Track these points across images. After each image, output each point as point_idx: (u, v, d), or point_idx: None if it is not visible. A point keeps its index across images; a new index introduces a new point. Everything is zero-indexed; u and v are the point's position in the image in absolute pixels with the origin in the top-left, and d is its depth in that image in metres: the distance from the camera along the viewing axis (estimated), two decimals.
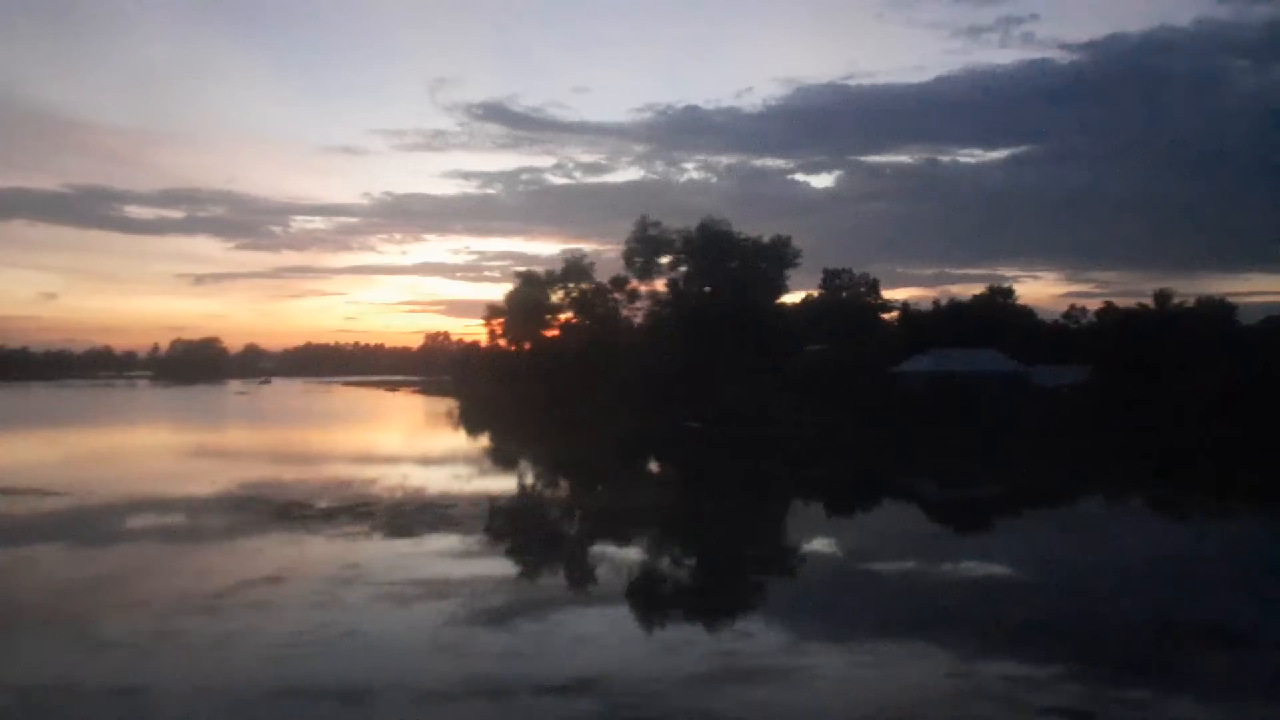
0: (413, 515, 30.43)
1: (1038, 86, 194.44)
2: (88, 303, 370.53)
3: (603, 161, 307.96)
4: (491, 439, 72.57)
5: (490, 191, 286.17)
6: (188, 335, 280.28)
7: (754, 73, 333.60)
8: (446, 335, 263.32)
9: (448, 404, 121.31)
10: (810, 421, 65.55)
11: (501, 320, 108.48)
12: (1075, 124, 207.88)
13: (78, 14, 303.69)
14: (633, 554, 27.20)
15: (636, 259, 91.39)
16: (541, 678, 14.96)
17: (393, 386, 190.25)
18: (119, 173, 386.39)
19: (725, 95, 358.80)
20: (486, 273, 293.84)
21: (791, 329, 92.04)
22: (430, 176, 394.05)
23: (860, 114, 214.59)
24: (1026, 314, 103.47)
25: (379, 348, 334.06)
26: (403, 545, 25.92)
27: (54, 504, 33.18)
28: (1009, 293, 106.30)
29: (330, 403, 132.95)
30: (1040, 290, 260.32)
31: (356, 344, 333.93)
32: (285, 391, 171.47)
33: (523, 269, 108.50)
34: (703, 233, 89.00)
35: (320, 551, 25.20)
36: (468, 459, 55.20)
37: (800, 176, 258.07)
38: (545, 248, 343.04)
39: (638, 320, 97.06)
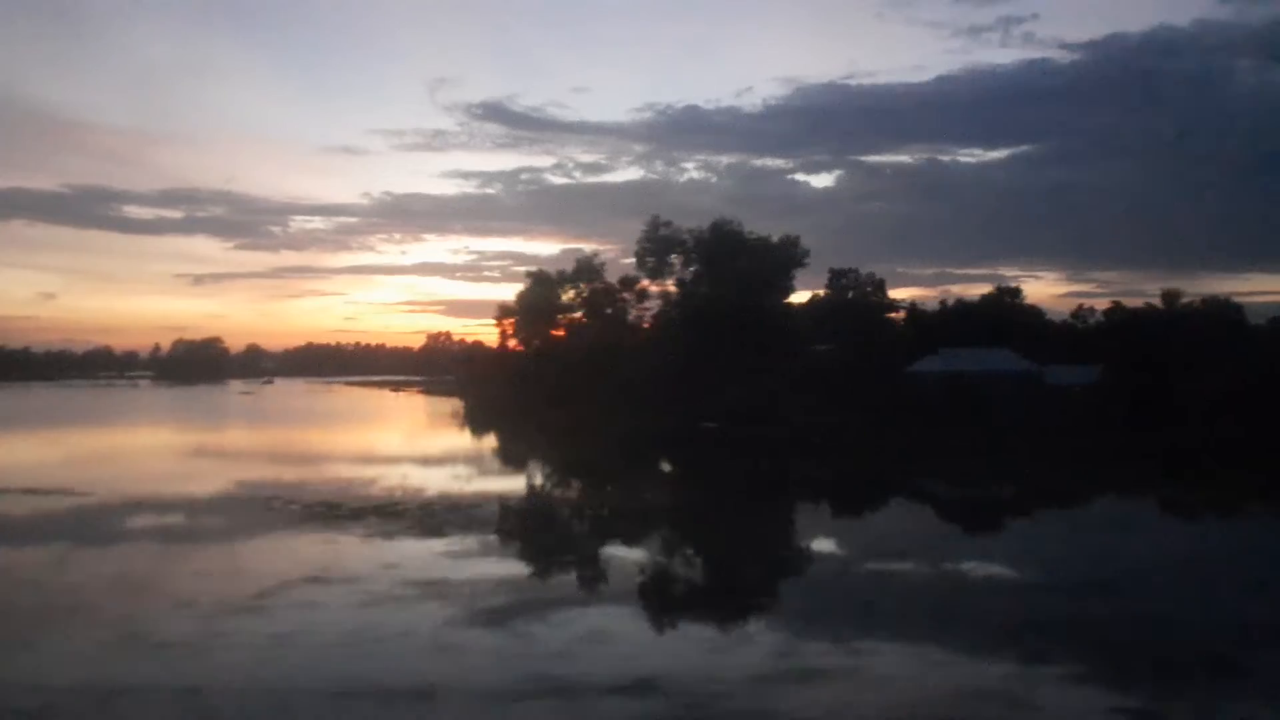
0: (442, 515, 30.47)
1: (1038, 86, 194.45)
2: (86, 303, 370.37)
3: (602, 161, 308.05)
4: (508, 440, 72.43)
5: (490, 191, 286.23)
6: (187, 335, 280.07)
7: (754, 72, 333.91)
8: (448, 335, 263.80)
9: (455, 404, 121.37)
10: (824, 422, 65.58)
11: (513, 320, 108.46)
12: (1075, 124, 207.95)
13: (78, 14, 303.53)
14: (676, 556, 27.29)
15: (648, 258, 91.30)
16: (604, 677, 15.02)
17: (397, 387, 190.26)
18: (118, 173, 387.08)
19: (725, 95, 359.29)
20: (486, 273, 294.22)
21: (799, 329, 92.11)
22: (430, 176, 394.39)
23: (860, 114, 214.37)
24: (1035, 314, 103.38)
25: (380, 348, 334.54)
26: (437, 544, 25.94)
27: (82, 504, 33.23)
28: (1016, 292, 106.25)
29: (337, 403, 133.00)
30: (1041, 290, 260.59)
31: (357, 344, 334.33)
32: (289, 392, 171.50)
33: (534, 269, 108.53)
34: (715, 232, 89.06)
35: (356, 551, 25.25)
36: (488, 460, 55.31)
37: (800, 176, 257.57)
38: (545, 248, 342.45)
39: (646, 320, 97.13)
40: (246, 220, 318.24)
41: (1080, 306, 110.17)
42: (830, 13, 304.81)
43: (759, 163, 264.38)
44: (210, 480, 40.35)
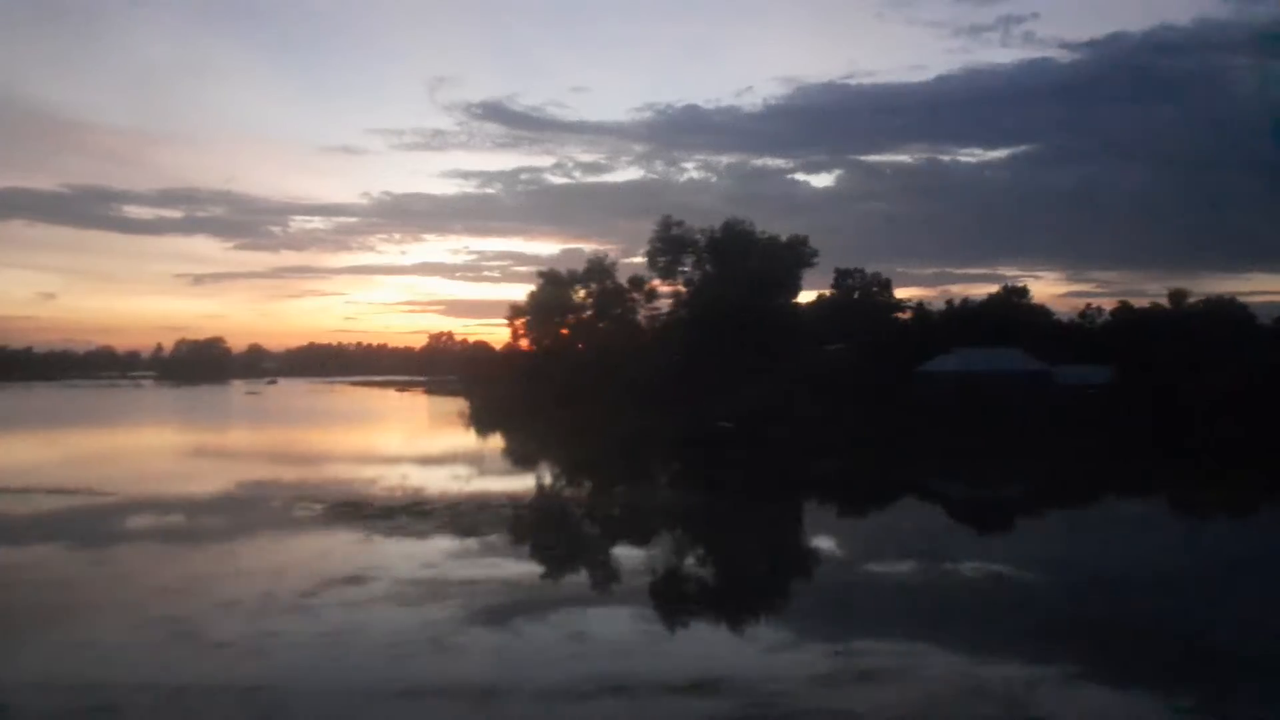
0: (472, 515, 30.52)
1: (1038, 86, 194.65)
2: (86, 303, 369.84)
3: (602, 161, 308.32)
4: (523, 440, 71.82)
5: (489, 191, 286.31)
6: (187, 335, 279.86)
7: (754, 72, 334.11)
8: (450, 335, 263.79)
9: (461, 405, 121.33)
10: (839, 423, 65.58)
11: (524, 320, 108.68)
12: (1075, 123, 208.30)
13: (78, 14, 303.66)
14: (711, 557, 27.37)
15: (660, 258, 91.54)
16: (664, 676, 15.10)
17: (401, 387, 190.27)
18: (118, 173, 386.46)
19: (725, 95, 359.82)
20: (486, 273, 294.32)
21: (808, 329, 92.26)
22: (429, 176, 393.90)
23: (860, 113, 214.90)
24: (1043, 314, 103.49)
25: (381, 348, 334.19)
26: (472, 544, 25.97)
27: (112, 504, 33.29)
28: (1024, 292, 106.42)
29: (345, 403, 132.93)
30: (1041, 290, 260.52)
31: (359, 344, 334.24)
32: (293, 392, 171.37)
33: (544, 269, 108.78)
34: (726, 232, 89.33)
35: (392, 550, 25.29)
36: (507, 459, 55.26)
37: (800, 176, 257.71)
38: (545, 248, 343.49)
39: (656, 320, 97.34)
40: (246, 220, 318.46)
41: (1089, 306, 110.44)
42: (830, 13, 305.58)
43: (759, 162, 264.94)
44: (236, 480, 40.32)
